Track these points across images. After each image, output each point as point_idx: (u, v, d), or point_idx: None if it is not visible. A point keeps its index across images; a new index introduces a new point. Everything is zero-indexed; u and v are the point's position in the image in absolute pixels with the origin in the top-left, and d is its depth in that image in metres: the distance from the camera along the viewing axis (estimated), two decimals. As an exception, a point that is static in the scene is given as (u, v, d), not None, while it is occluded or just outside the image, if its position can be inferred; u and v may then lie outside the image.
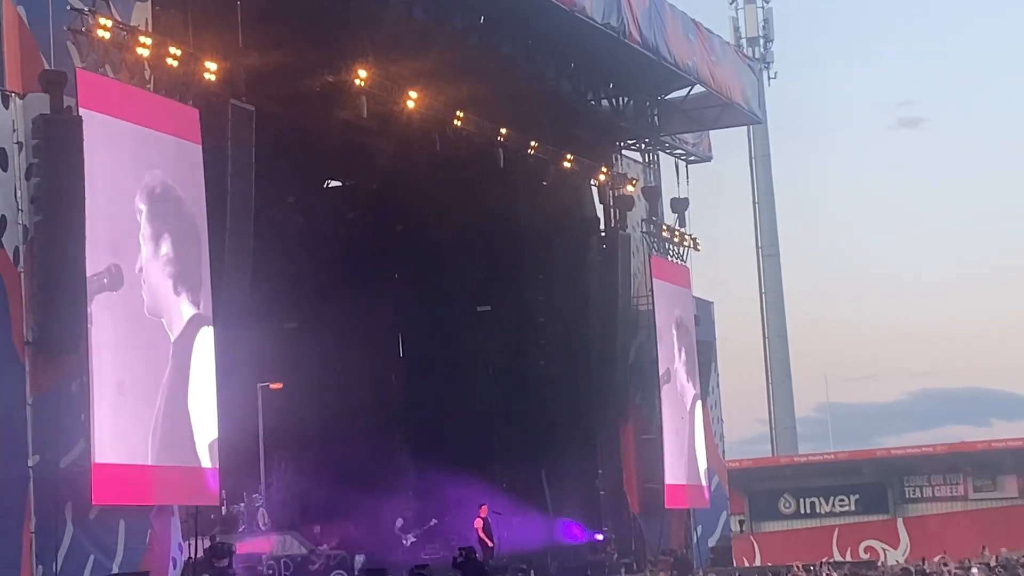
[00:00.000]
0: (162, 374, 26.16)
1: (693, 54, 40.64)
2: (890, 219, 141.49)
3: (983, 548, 43.55)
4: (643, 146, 46.15)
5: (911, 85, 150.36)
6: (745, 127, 63.35)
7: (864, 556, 59.65)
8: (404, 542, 38.21)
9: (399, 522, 38.53)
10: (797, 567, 37.93)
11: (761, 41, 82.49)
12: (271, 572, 33.50)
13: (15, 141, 23.84)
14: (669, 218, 46.26)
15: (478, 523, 36.49)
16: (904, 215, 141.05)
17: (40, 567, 23.43)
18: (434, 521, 38.80)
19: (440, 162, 37.74)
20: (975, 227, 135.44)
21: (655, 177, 46.49)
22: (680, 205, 46.23)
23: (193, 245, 27.29)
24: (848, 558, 57.29)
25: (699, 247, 46.85)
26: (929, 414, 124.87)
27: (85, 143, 24.32)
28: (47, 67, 24.44)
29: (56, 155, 24.04)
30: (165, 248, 26.62)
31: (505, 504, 39.38)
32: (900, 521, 66.75)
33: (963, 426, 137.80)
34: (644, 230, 45.11)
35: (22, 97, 24.07)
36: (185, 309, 26.91)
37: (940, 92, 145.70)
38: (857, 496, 69.52)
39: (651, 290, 43.71)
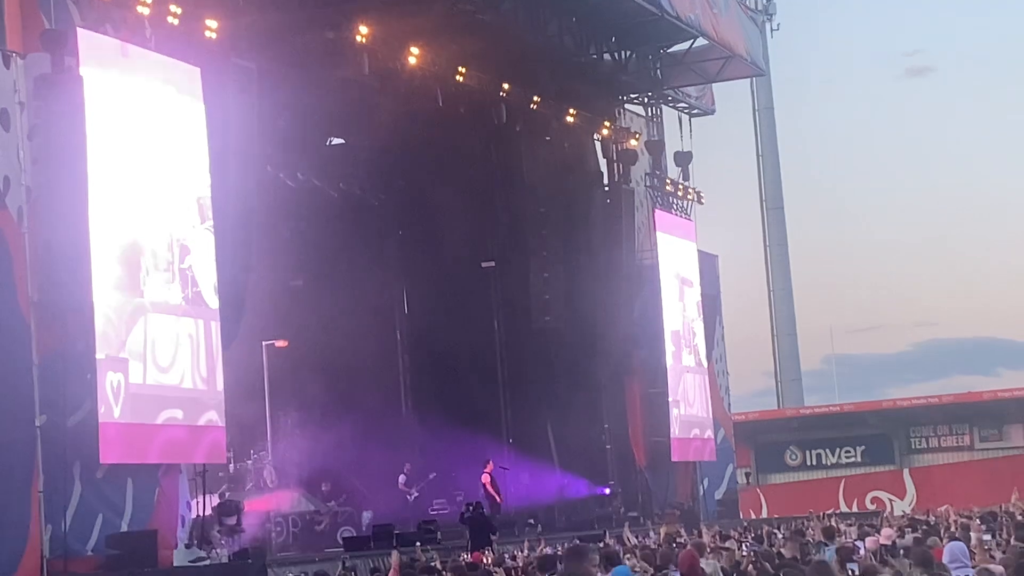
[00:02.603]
0: (167, 332, 26.21)
1: (695, 7, 40.50)
2: (897, 170, 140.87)
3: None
4: (646, 100, 46.08)
5: (920, 34, 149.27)
6: (748, 79, 63.00)
7: (871, 507, 59.82)
8: (408, 497, 38.37)
9: (402, 478, 38.69)
10: (815, 517, 37.76)
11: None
12: (279, 529, 33.71)
13: (17, 101, 23.84)
14: (672, 172, 46.24)
15: (485, 478, 36.62)
16: (911, 165, 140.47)
17: (49, 526, 23.55)
18: (433, 474, 38.97)
19: (442, 118, 37.71)
20: (983, 176, 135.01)
21: (658, 131, 46.43)
22: (683, 159, 46.19)
23: (195, 203, 27.31)
24: (855, 509, 57.52)
25: (703, 201, 46.86)
26: (936, 365, 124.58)
27: (87, 103, 24.34)
28: (48, 26, 24.43)
29: (58, 115, 24.06)
30: (168, 207, 26.65)
31: (511, 459, 39.54)
32: (906, 472, 66.82)
33: (970, 376, 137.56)
34: (647, 184, 45.09)
35: (23, 57, 24.06)
36: (188, 267, 26.95)
37: (949, 41, 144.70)
38: (863, 447, 69.52)
39: (655, 244, 43.71)
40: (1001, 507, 37.85)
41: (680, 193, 45.84)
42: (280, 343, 36.92)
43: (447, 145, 40.07)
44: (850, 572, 13.80)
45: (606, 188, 43.64)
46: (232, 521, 28.67)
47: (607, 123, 43.11)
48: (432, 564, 21.40)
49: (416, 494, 38.51)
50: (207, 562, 26.17)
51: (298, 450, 36.62)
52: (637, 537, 30.91)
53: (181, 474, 27.04)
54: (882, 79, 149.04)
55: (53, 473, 23.65)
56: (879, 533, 24.48)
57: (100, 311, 24.53)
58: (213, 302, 27.45)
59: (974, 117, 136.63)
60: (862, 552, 20.17)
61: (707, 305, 46.56)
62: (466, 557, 25.53)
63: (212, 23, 27.75)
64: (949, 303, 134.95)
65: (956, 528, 24.40)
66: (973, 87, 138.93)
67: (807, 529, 29.35)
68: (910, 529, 26.11)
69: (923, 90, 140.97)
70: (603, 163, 43.96)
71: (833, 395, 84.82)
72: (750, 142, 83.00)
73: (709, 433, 45.71)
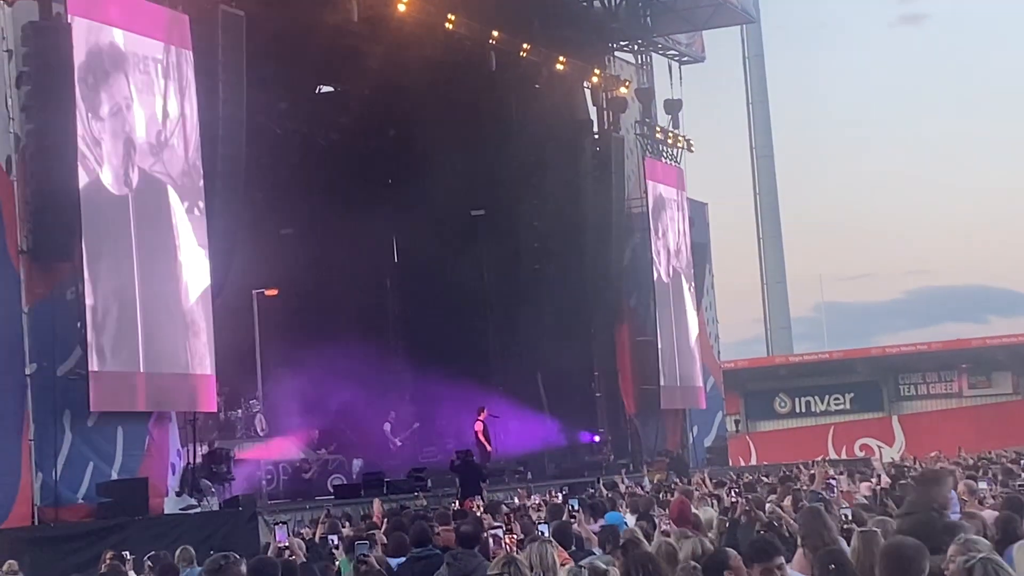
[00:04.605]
0: (157, 282, 26.18)
1: (685, -47, 40.40)
2: (888, 117, 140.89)
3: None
4: (636, 47, 45.94)
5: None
6: (738, 27, 62.90)
7: (859, 454, 60.05)
8: (391, 445, 38.45)
9: (387, 426, 38.76)
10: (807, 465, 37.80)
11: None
12: (269, 477, 33.77)
13: (5, 49, 23.78)
14: (663, 120, 46.16)
15: (478, 426, 36.64)
16: (902, 113, 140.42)
17: (39, 474, 23.60)
18: (416, 424, 39.06)
19: (432, 66, 37.53)
20: (974, 124, 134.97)
21: (648, 79, 46.32)
22: (673, 107, 46.10)
23: (185, 152, 27.23)
24: (844, 456, 57.72)
25: (693, 148, 46.80)
26: (926, 312, 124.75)
27: (75, 50, 24.23)
28: (35, -27, 24.30)
29: (46, 63, 23.97)
30: (157, 156, 26.57)
31: (502, 407, 39.58)
32: (895, 419, 67.10)
33: (960, 323, 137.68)
34: (638, 132, 45.02)
35: (11, 4, 23.96)
36: (178, 217, 26.89)
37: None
38: (852, 395, 69.72)
39: (645, 192, 43.69)
40: (990, 453, 38.03)
41: (670, 141, 45.78)
42: (270, 291, 36.87)
43: (437, 93, 39.90)
44: (843, 517, 13.80)
45: (596, 136, 43.53)
46: (222, 469, 28.73)
47: (597, 71, 42.97)
48: (422, 511, 21.42)
49: (400, 443, 38.62)
50: (197, 510, 26.22)
51: (288, 398, 36.64)
52: (628, 484, 30.94)
53: (171, 422, 27.06)
54: (874, 26, 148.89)
55: (44, 421, 23.69)
56: (870, 480, 24.53)
57: (90, 259, 24.49)
58: (203, 250, 27.38)
59: (967, 65, 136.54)
60: (834, 493, 20.17)
61: (697, 253, 46.58)
62: (456, 505, 25.57)
63: (200, -30, 27.60)
64: (941, 251, 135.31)
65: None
66: (966, 35, 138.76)
67: (800, 475, 29.38)
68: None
69: (916, 37, 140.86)
70: (593, 111, 43.82)
71: (823, 343, 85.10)
72: (740, 90, 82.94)
73: (699, 381, 45.81)
